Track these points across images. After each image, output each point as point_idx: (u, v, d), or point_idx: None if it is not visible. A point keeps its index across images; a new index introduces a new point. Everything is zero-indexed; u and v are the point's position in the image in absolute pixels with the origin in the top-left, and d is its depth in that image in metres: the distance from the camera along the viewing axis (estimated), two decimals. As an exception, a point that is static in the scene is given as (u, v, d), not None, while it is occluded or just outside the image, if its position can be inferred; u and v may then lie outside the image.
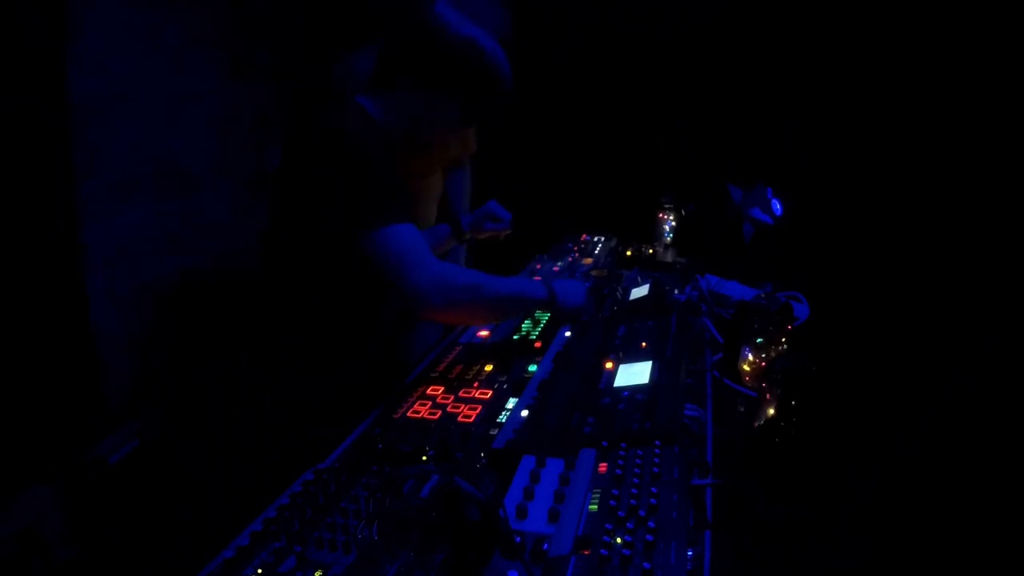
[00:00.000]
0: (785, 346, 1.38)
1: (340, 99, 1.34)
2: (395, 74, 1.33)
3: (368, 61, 1.36)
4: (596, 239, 2.30)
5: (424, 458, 1.03)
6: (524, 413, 1.14)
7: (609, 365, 1.27)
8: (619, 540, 0.77)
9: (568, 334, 1.49)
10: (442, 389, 1.28)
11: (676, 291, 1.67)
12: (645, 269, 2.00)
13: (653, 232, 2.26)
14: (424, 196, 1.92)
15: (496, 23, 1.34)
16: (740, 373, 1.40)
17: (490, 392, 1.25)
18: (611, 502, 0.84)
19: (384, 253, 1.19)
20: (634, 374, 1.20)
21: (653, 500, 0.84)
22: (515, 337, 1.54)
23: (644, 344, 1.32)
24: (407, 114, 1.34)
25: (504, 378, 1.31)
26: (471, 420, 1.15)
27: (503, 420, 1.14)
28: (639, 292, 1.67)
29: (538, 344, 1.47)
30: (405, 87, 1.32)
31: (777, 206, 2.05)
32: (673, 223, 2.24)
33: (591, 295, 1.57)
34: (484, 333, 1.59)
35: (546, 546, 0.78)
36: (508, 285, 1.42)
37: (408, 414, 1.19)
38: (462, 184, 2.31)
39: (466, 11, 1.29)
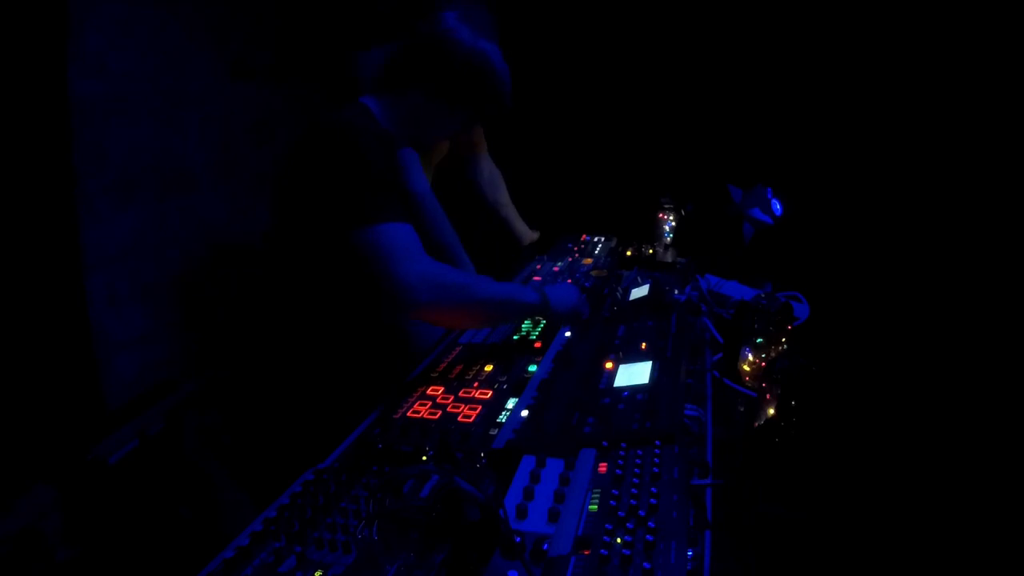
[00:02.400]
0: (785, 346, 1.38)
1: (342, 98, 1.35)
2: (402, 79, 1.33)
3: (377, 63, 1.37)
4: (596, 239, 2.30)
5: (424, 458, 1.03)
6: (524, 413, 1.14)
7: (609, 365, 1.27)
8: (619, 540, 0.77)
9: (568, 334, 1.49)
10: (442, 389, 1.28)
11: (676, 291, 1.67)
12: (645, 269, 2.00)
13: (653, 232, 2.26)
14: None
15: (487, 28, 1.34)
16: (740, 373, 1.40)
17: (490, 392, 1.25)
18: (611, 502, 0.84)
19: (375, 248, 1.20)
20: (634, 374, 1.20)
21: (653, 500, 0.84)
22: (515, 337, 1.53)
23: (644, 344, 1.32)
24: (409, 118, 1.35)
25: (504, 378, 1.30)
26: (471, 420, 1.15)
27: (503, 420, 1.14)
28: (639, 292, 1.67)
29: (538, 344, 1.47)
30: (410, 92, 1.33)
31: (777, 206, 2.04)
32: (673, 223, 2.23)
33: (587, 297, 1.57)
34: (484, 333, 1.59)
35: (546, 546, 0.78)
36: (499, 289, 1.41)
37: (408, 414, 1.19)
38: (489, 174, 2.31)
39: (473, 23, 1.30)
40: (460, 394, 1.25)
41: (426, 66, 1.30)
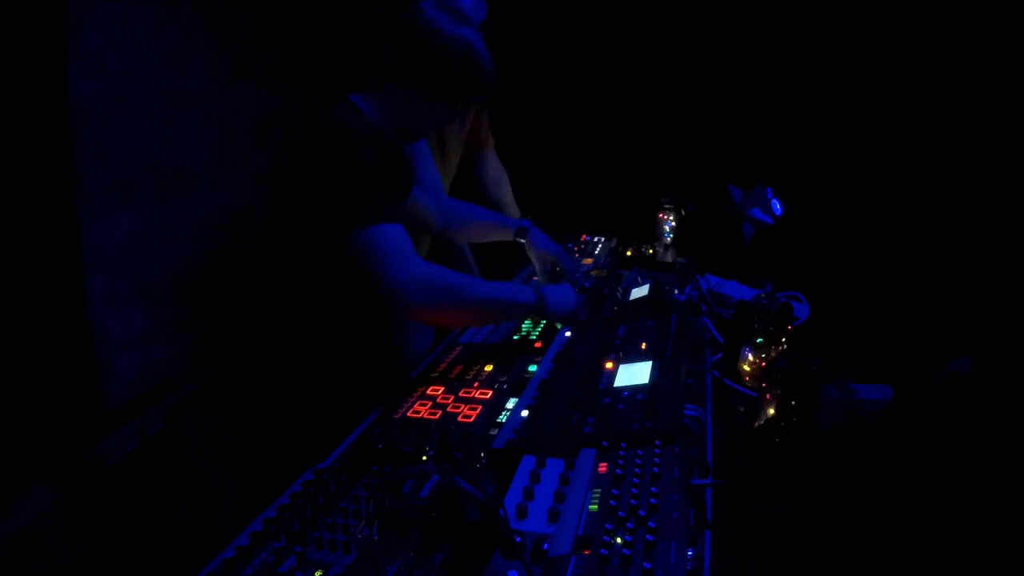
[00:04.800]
0: (785, 346, 1.38)
1: (332, 98, 1.34)
2: (385, 73, 1.33)
3: (362, 59, 1.37)
4: (596, 239, 2.30)
5: (424, 458, 1.03)
6: (524, 413, 1.14)
7: (609, 365, 1.27)
8: (619, 540, 0.77)
9: (568, 334, 1.49)
10: (442, 389, 1.28)
11: (676, 291, 1.67)
12: (645, 269, 2.00)
13: (653, 232, 2.26)
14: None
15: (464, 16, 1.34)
16: (740, 373, 1.40)
17: (490, 392, 1.25)
18: (611, 502, 0.84)
19: (368, 250, 1.20)
20: (634, 374, 1.20)
21: (653, 500, 0.84)
22: (515, 337, 1.53)
23: (644, 344, 1.32)
24: (396, 112, 1.34)
25: (504, 378, 1.31)
26: (471, 420, 1.15)
27: (503, 420, 1.14)
28: (639, 292, 1.67)
29: (538, 344, 1.47)
30: (394, 86, 1.33)
31: (777, 206, 2.04)
32: (673, 223, 2.23)
33: (585, 300, 1.57)
34: (484, 333, 1.59)
35: (546, 546, 0.78)
36: (494, 289, 1.40)
37: (408, 414, 1.19)
38: (495, 171, 2.32)
39: (450, 11, 1.29)
40: (460, 394, 1.25)
41: (407, 58, 1.29)
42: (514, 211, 2.37)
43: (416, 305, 1.23)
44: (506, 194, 2.35)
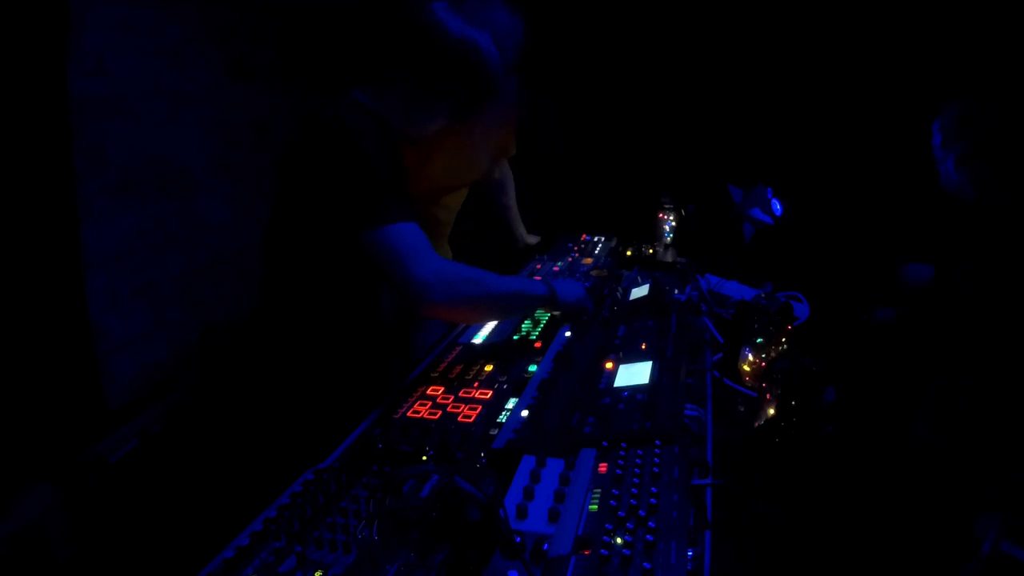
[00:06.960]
0: (785, 346, 1.38)
1: (339, 95, 1.34)
2: (390, 70, 1.32)
3: (366, 55, 1.36)
4: (596, 239, 2.30)
5: (424, 458, 1.03)
6: (524, 413, 1.14)
7: (609, 365, 1.27)
8: (619, 540, 0.77)
9: (568, 334, 1.49)
10: (442, 389, 1.28)
11: (676, 291, 1.67)
12: (645, 269, 2.00)
13: (653, 232, 2.26)
14: (449, 206, 1.92)
15: (512, 32, 1.33)
16: (740, 373, 1.40)
17: (490, 392, 1.25)
18: (611, 502, 0.84)
19: (386, 250, 1.20)
20: (634, 374, 1.20)
21: (653, 500, 0.84)
22: (515, 337, 1.53)
23: (644, 344, 1.32)
24: (397, 110, 1.34)
25: (504, 378, 1.30)
26: (471, 420, 1.15)
27: (503, 420, 1.14)
28: (639, 292, 1.67)
29: (538, 344, 1.47)
30: (397, 83, 1.32)
31: (777, 206, 2.04)
32: (673, 223, 2.23)
33: (590, 292, 1.58)
34: (484, 333, 1.59)
35: (546, 546, 0.78)
36: (509, 282, 1.43)
37: (408, 414, 1.19)
38: (501, 176, 2.32)
39: (466, 12, 1.29)
40: (460, 394, 1.25)
41: (406, 58, 1.29)
42: (514, 214, 2.37)
43: (438, 303, 1.23)
44: (509, 198, 2.36)
